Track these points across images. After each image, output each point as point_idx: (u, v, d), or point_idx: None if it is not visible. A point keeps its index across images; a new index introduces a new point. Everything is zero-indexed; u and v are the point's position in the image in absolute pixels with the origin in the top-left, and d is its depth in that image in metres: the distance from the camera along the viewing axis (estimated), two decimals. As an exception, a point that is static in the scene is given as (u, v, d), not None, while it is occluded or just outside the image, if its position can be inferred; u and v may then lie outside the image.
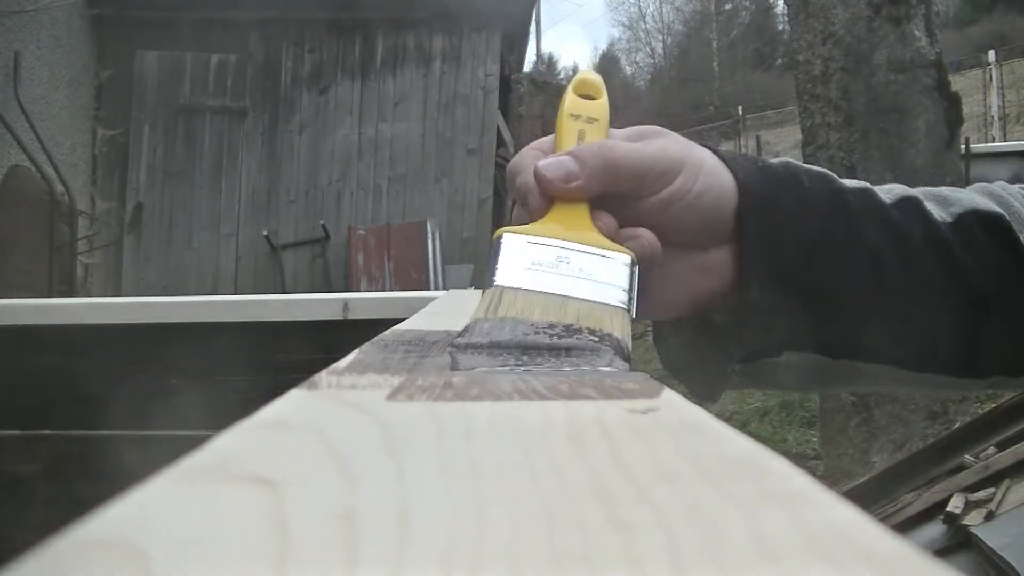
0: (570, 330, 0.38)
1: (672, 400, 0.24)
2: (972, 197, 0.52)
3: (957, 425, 2.52)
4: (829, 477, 2.96)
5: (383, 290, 5.42)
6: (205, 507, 0.13)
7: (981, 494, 1.95)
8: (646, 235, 0.45)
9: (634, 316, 0.41)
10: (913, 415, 2.88)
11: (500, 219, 6.09)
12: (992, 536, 1.73)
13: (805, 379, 0.52)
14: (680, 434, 0.20)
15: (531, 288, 0.40)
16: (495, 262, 0.41)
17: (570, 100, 0.48)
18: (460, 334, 0.37)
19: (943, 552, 1.83)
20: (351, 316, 0.91)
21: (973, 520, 1.84)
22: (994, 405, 2.41)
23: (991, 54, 13.74)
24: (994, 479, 1.98)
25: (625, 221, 0.45)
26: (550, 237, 0.42)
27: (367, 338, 0.40)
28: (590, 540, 0.12)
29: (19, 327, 0.90)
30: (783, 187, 0.48)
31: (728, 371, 0.50)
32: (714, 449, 0.18)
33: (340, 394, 0.24)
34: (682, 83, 22.83)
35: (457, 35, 5.98)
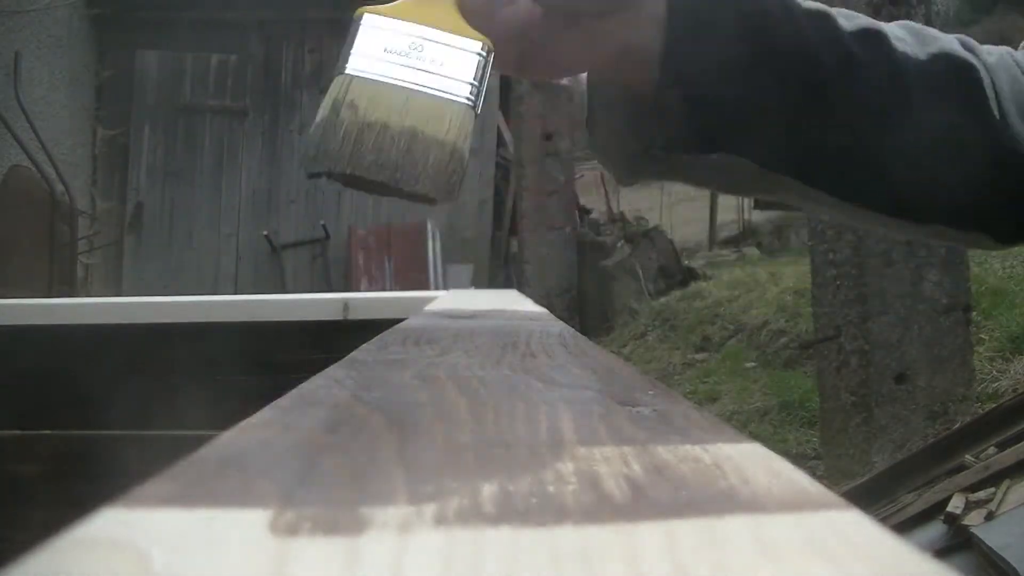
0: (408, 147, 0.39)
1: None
2: (951, 42, 0.49)
3: (957, 425, 2.52)
4: (829, 477, 2.95)
5: (383, 290, 5.42)
6: (205, 507, 0.14)
7: (981, 494, 1.95)
8: (523, 2, 0.41)
9: (478, 111, 0.41)
10: (913, 415, 2.88)
11: (500, 218, 6.09)
12: (992, 536, 1.73)
13: (734, 183, 0.50)
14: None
15: (380, 78, 0.40)
16: (350, 45, 0.41)
17: None
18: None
19: (943, 552, 1.83)
20: (351, 316, 0.91)
21: (973, 520, 1.84)
22: (994, 405, 2.41)
23: (991, 54, 13.73)
24: (994, 479, 1.98)
25: None
26: (409, 21, 0.40)
27: (367, 338, 0.40)
28: (590, 539, 0.12)
29: (19, 327, 0.90)
30: None
31: (650, 155, 0.47)
32: (712, 449, 0.18)
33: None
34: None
35: (457, 35, 5.97)
